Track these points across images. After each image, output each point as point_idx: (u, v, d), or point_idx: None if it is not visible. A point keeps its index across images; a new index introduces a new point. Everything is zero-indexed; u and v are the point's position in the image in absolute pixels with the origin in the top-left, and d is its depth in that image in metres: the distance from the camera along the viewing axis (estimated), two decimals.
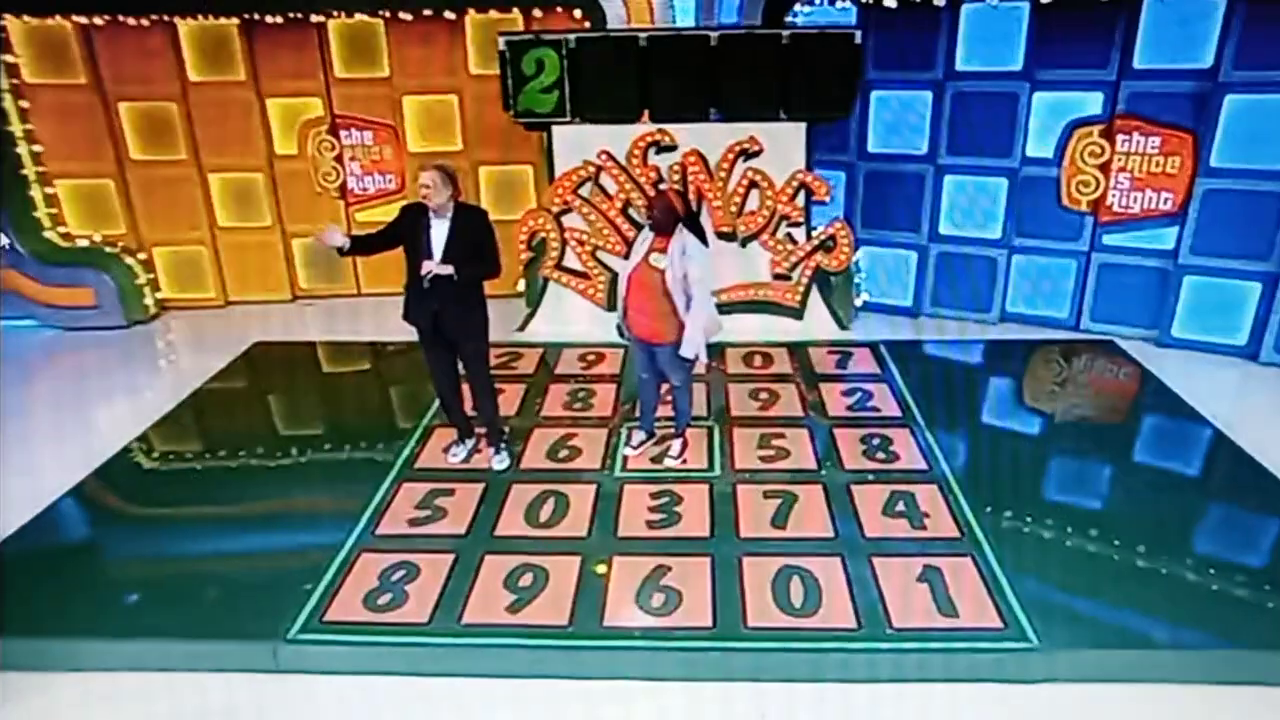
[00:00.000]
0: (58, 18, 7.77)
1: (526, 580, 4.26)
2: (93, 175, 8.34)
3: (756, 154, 6.97)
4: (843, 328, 7.37)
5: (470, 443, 5.45)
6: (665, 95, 6.86)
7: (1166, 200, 6.85)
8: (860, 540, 4.54)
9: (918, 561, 4.33)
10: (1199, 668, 3.70)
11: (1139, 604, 4.01)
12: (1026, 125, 7.16)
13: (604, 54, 6.82)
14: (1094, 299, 7.41)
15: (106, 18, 7.76)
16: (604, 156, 7.03)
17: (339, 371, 7.22)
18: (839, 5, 7.12)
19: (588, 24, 7.51)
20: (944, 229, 7.69)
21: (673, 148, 7.01)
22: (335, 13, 7.84)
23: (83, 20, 7.81)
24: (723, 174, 7.04)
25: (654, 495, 4.99)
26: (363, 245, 4.84)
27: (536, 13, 7.66)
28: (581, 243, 7.25)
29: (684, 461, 5.29)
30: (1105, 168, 6.94)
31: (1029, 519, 4.67)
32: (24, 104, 7.97)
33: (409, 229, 4.79)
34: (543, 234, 7.33)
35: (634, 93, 6.87)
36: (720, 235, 7.13)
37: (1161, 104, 6.69)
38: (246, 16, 7.80)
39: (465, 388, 5.29)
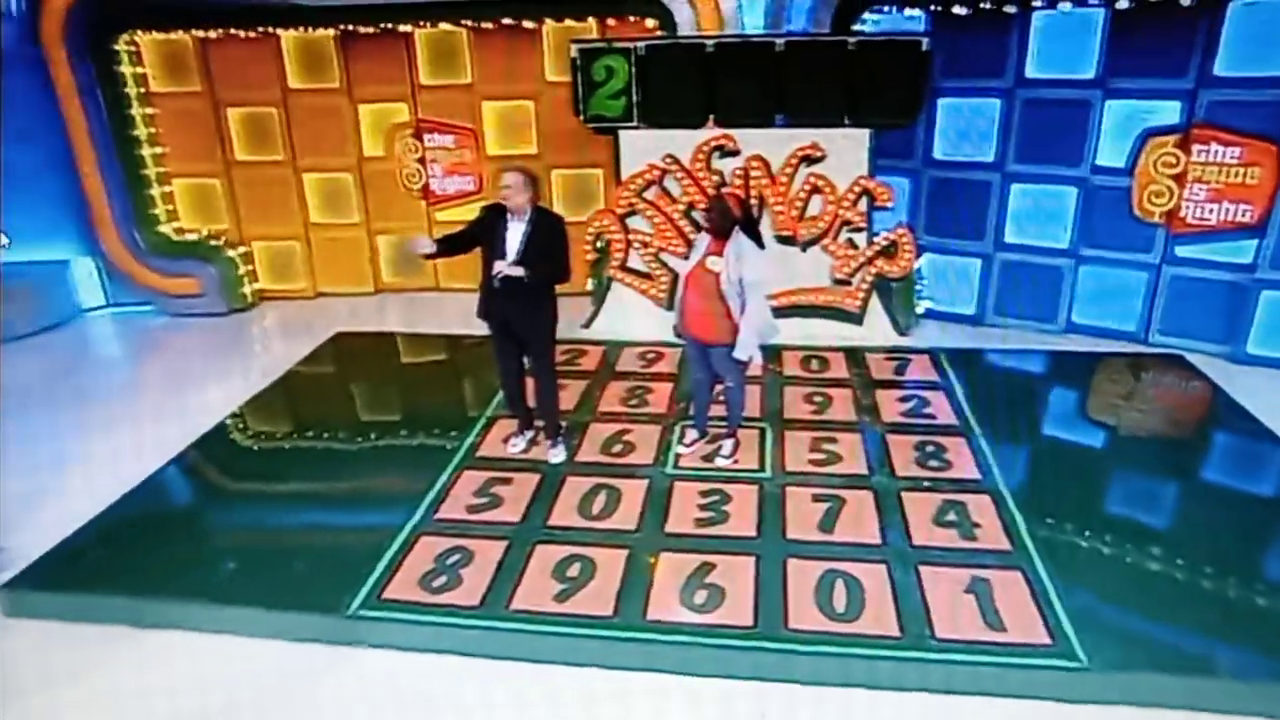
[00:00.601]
0: (179, 32, 8.04)
1: (574, 570, 4.16)
2: (203, 175, 8.60)
3: (819, 159, 6.68)
4: (902, 334, 7.01)
5: (529, 434, 5.36)
6: (730, 101, 6.64)
7: (1245, 212, 6.27)
8: (908, 548, 4.27)
9: (966, 572, 4.04)
10: (1263, 699, 3.33)
11: (1200, 628, 3.64)
12: (1098, 134, 6.67)
13: (671, 60, 6.65)
14: (1164, 312, 6.85)
15: (220, 31, 7.99)
16: (669, 160, 6.85)
17: (414, 361, 7.23)
18: (908, 12, 6.79)
19: (659, 31, 7.34)
20: (1010, 237, 7.23)
21: (736, 152, 6.79)
22: (422, 23, 7.86)
23: (200, 34, 8.05)
24: (785, 179, 6.77)
25: (703, 493, 4.81)
26: (447, 247, 4.80)
27: (610, 21, 7.54)
28: (645, 244, 7.10)
29: (735, 461, 5.09)
30: (1180, 178, 6.41)
31: (1086, 535, 4.32)
32: (150, 111, 8.29)
33: (487, 229, 4.74)
34: (608, 235, 7.19)
35: (700, 98, 6.67)
36: (781, 239, 6.88)
37: (1243, 113, 6.13)
38: (342, 28, 7.89)
39: (529, 382, 5.21)
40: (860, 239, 6.86)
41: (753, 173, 6.78)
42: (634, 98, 6.64)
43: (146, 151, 8.28)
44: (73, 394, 6.92)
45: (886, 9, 6.84)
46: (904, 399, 5.93)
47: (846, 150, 6.63)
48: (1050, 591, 3.87)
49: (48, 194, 8.17)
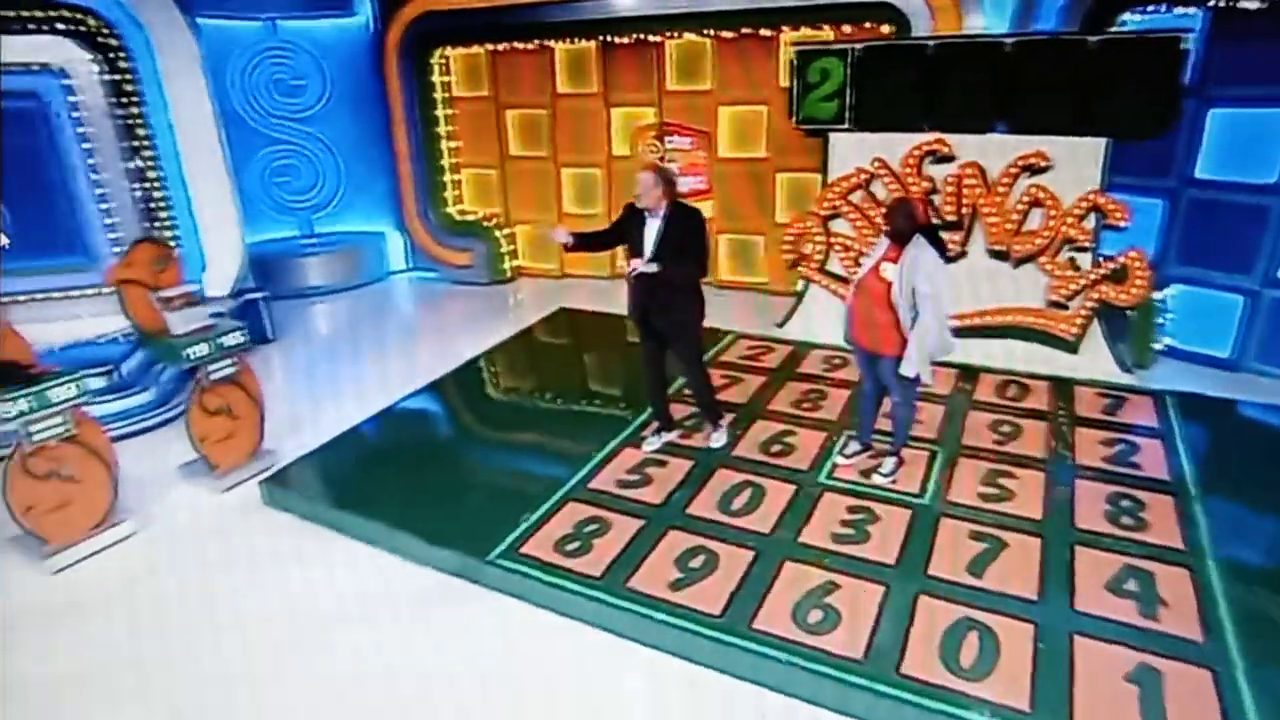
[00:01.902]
0: (477, 47, 8.53)
1: (697, 562, 3.74)
2: (484, 166, 9.08)
3: (1043, 170, 5.42)
4: (1125, 370, 5.54)
5: (666, 436, 4.88)
6: (948, 104, 5.59)
7: None
8: (1068, 610, 3.31)
9: (1134, 656, 3.04)
10: None
11: None
12: None
13: (889, 62, 5.75)
14: None
15: (507, 45, 8.34)
16: (878, 164, 5.93)
17: (619, 340, 6.96)
18: (1179, 10, 5.24)
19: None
20: None
21: (950, 158, 5.71)
22: (672, 33, 7.62)
23: (492, 48, 8.47)
24: (1003, 189, 5.58)
25: (850, 509, 4.12)
26: (585, 242, 4.54)
27: (846, 28, 6.74)
28: (846, 248, 6.23)
29: (894, 481, 4.30)
30: None
31: None
32: (451, 111, 8.93)
33: (630, 226, 4.39)
34: (808, 237, 6.43)
35: (916, 101, 5.68)
36: (993, 254, 5.72)
37: None
38: (603, 39, 7.90)
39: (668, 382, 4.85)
40: (1084, 260, 5.48)
41: (966, 181, 5.64)
42: (847, 100, 5.82)
43: (445, 146, 8.92)
44: (364, 336, 7.73)
45: (1152, 8, 5.34)
46: (1109, 443, 4.67)
47: (1077, 161, 5.31)
48: (1246, 705, 2.79)
49: (377, 181, 9.15)
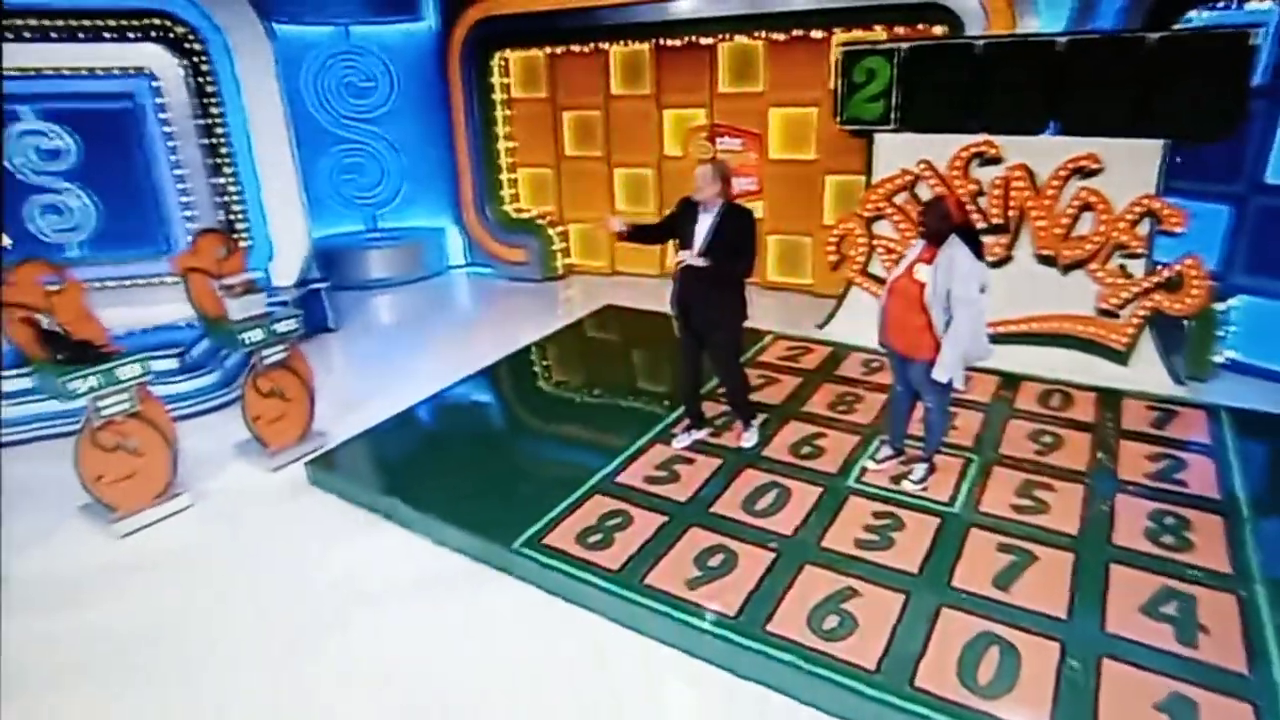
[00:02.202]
0: (535, 50, 8.56)
1: (716, 561, 3.64)
2: (540, 165, 9.12)
3: (1095, 173, 5.10)
4: (1178, 382, 5.17)
5: (696, 434, 4.80)
6: (996, 105, 5.31)
7: None
8: (1098, 632, 3.09)
9: (1167, 684, 2.82)
10: None
11: None
12: None
13: (936, 61, 5.48)
14: None
15: (564, 48, 8.35)
16: (923, 165, 5.68)
17: (660, 337, 6.85)
18: (1250, 5, 4.84)
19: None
20: None
21: (998, 160, 5.43)
22: (725, 36, 7.49)
23: (550, 51, 8.49)
24: (1052, 192, 5.27)
25: (876, 514, 3.94)
26: (639, 233, 4.48)
27: (899, 29, 6.50)
28: (889, 250, 6.00)
29: (924, 488, 4.11)
30: None
31: None
32: (509, 113, 8.99)
33: (682, 221, 4.30)
34: (851, 239, 6.23)
35: (963, 102, 5.41)
36: (1040, 259, 5.41)
37: None
38: (657, 42, 7.82)
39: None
40: (1137, 267, 5.14)
41: (1014, 183, 5.36)
42: (893, 100, 5.58)
43: (502, 145, 8.99)
44: (418, 327, 7.87)
45: (1221, 4, 4.94)
46: (1155, 457, 4.36)
47: (1131, 164, 4.97)
48: None
49: (438, 178, 9.30)
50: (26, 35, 6.03)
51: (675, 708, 3.14)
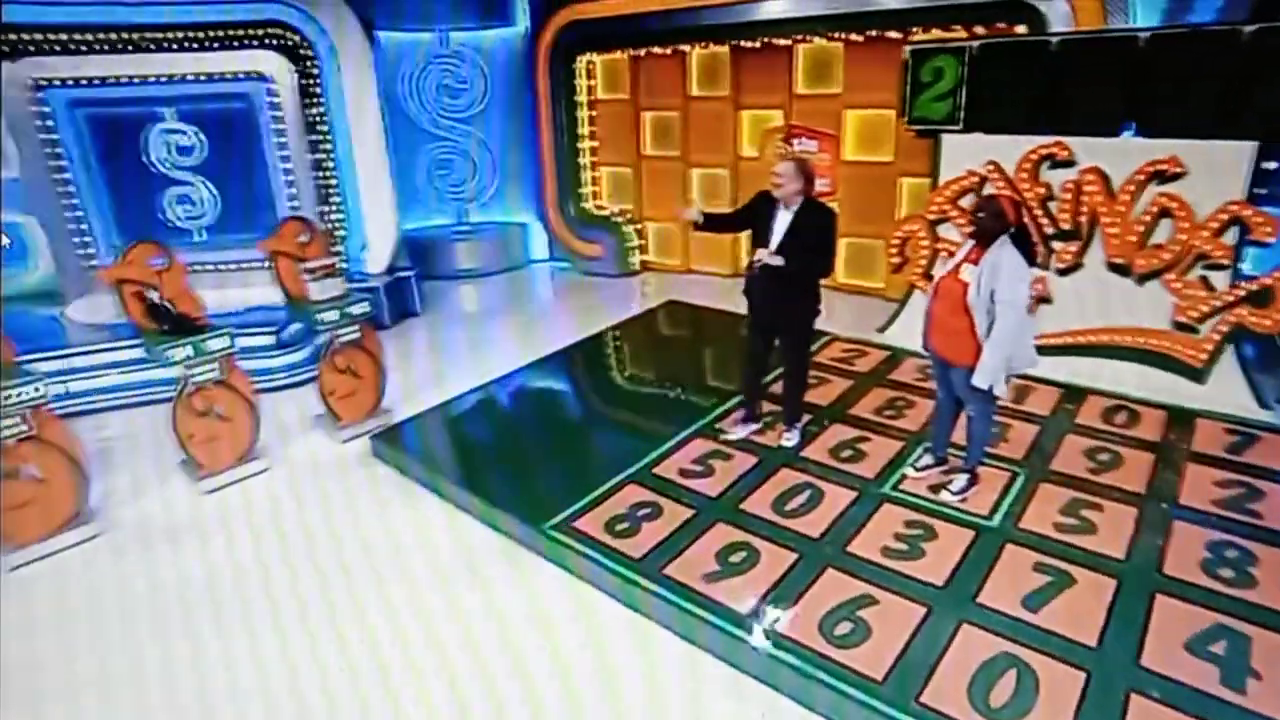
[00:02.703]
0: (619, 53, 8.73)
1: (738, 558, 3.66)
2: (620, 164, 9.28)
3: (1175, 177, 4.71)
4: (1264, 405, 4.72)
5: (751, 427, 4.80)
6: (1070, 104, 4.98)
7: None
8: (1131, 666, 2.90)
9: None
10: None
11: None
12: None
13: (1007, 59, 5.22)
14: None
15: (645, 51, 8.48)
16: (990, 167, 5.42)
17: (716, 334, 6.95)
18: None
19: None
20: None
21: (1070, 163, 5.10)
22: (804, 37, 7.40)
23: (632, 53, 8.64)
24: (1127, 197, 4.92)
25: (909, 523, 3.84)
26: (714, 223, 4.47)
27: (979, 29, 6.22)
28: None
29: (963, 500, 3.97)
30: None
31: None
32: (593, 113, 9.22)
33: (757, 215, 4.26)
34: (915, 241, 6.02)
35: (1034, 101, 5.12)
36: (1113, 268, 5.06)
37: None
38: (735, 44, 7.82)
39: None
40: (1220, 279, 4.73)
41: (1086, 187, 5.03)
42: (960, 99, 5.35)
43: (585, 145, 9.22)
44: (494, 315, 8.24)
45: None
46: (1226, 484, 4.01)
47: (1217, 168, 4.57)
48: None
49: (524, 176, 9.66)
50: (168, 46, 6.74)
51: (673, 696, 3.13)
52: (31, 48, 6.43)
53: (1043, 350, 5.20)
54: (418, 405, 5.57)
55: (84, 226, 6.94)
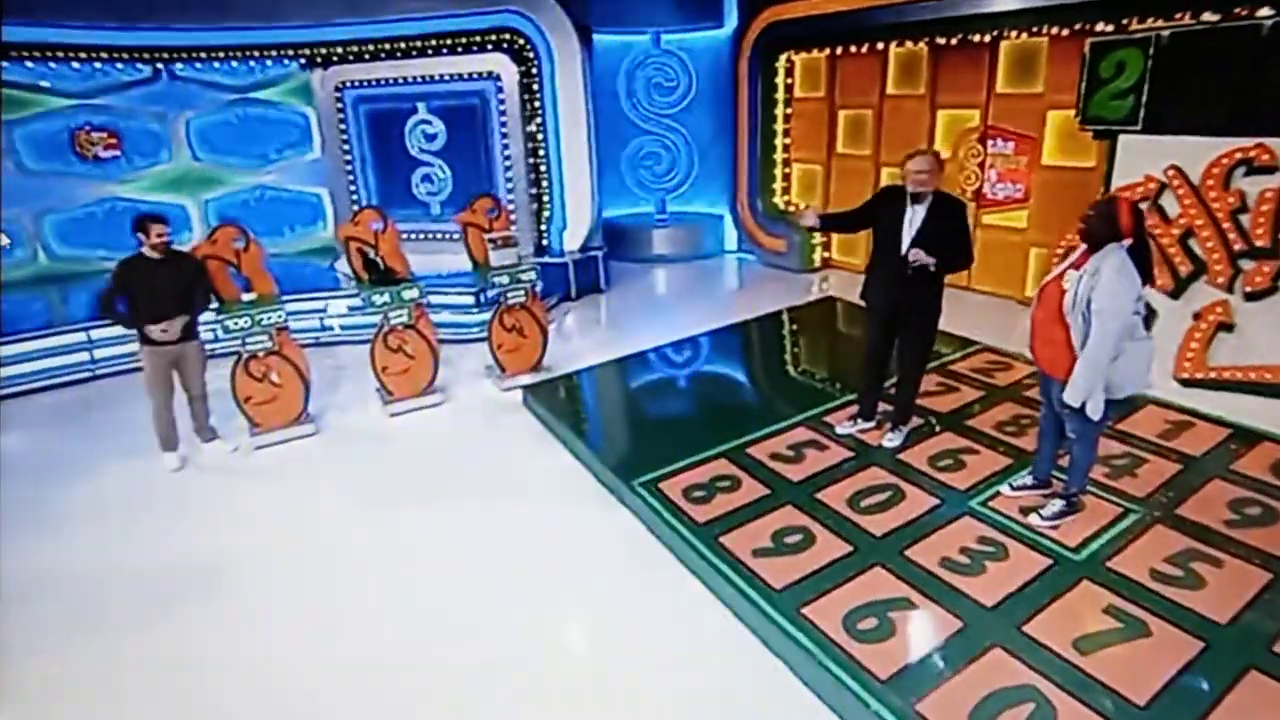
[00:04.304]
0: (817, 51, 8.73)
1: (793, 539, 3.74)
2: (812, 161, 9.27)
3: None
4: None
5: (861, 424, 4.74)
6: (1277, 101, 4.16)
7: None
8: None
9: None
10: None
11: None
12: None
13: (1202, 50, 4.46)
14: None
15: (843, 49, 8.38)
16: (1172, 173, 4.68)
17: (861, 332, 6.71)
18: None
19: None
20: None
21: (1272, 169, 4.26)
22: (1006, 33, 6.85)
23: (830, 52, 8.59)
24: None
25: (981, 539, 3.64)
26: (832, 223, 4.49)
27: (1209, 16, 5.30)
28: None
29: (1054, 527, 3.66)
30: None
31: None
32: (789, 111, 9.29)
33: (885, 212, 4.15)
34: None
35: (1231, 97, 4.34)
36: None
37: None
38: (934, 41, 7.44)
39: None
40: None
41: None
42: (1142, 96, 4.67)
43: (779, 141, 9.33)
44: (674, 297, 8.77)
45: None
46: None
47: None
48: None
49: (721, 170, 10.03)
50: (424, 52, 8.08)
51: (707, 658, 3.27)
52: (334, 58, 8.11)
53: (1217, 385, 4.56)
54: (574, 365, 6.24)
55: (355, 198, 8.61)
